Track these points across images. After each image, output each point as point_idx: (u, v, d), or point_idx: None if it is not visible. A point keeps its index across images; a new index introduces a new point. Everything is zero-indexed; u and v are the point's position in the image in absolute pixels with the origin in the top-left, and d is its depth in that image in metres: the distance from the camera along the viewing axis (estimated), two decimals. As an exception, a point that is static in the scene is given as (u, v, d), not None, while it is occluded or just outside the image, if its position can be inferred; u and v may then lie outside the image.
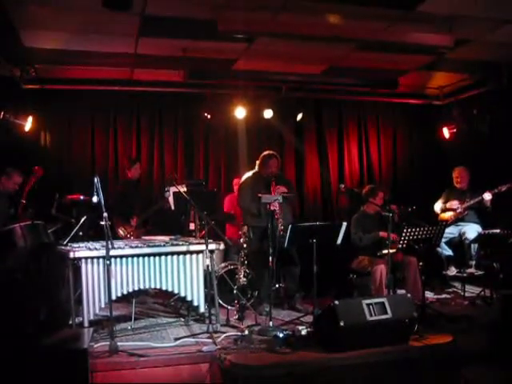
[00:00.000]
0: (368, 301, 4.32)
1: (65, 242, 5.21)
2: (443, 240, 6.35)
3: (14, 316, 4.34)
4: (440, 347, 4.36)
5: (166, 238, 5.30)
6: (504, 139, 6.92)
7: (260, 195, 5.49)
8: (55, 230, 5.56)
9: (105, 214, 4.37)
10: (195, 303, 5.12)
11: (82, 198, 5.94)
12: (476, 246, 6.61)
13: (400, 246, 5.38)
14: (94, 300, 4.68)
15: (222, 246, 5.35)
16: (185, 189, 5.71)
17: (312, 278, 5.06)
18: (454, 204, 6.86)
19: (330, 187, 8.24)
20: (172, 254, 5.01)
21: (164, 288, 5.01)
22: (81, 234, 5.82)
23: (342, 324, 4.08)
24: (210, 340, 4.52)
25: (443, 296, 6.44)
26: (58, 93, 7.14)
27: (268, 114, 7.54)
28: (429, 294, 6.29)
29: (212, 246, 5.09)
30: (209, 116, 7.31)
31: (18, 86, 6.69)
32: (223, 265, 6.12)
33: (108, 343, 4.25)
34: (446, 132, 8.08)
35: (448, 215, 6.92)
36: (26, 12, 5.07)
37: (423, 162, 8.56)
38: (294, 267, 5.93)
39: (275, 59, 6.66)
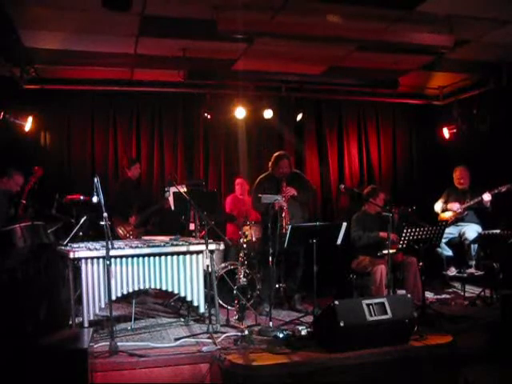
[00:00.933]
0: (368, 301, 4.32)
1: (65, 242, 5.20)
2: (443, 240, 6.34)
3: (14, 316, 4.34)
4: (440, 347, 4.36)
5: (166, 238, 5.30)
6: (504, 139, 6.92)
7: (260, 195, 5.51)
8: (55, 230, 5.55)
9: (105, 215, 4.37)
10: (195, 303, 5.12)
11: (81, 198, 5.93)
12: (476, 246, 6.61)
13: (400, 246, 5.38)
14: (93, 300, 4.67)
15: (222, 247, 5.36)
16: (185, 189, 5.72)
17: (312, 278, 5.06)
18: (455, 206, 6.85)
19: (330, 187, 8.25)
20: (172, 254, 5.00)
21: (164, 288, 5.01)
22: (81, 234, 5.82)
23: (341, 324, 4.09)
24: (210, 340, 4.52)
25: (443, 296, 6.44)
26: (58, 93, 7.15)
27: (268, 114, 7.54)
28: (429, 294, 6.30)
29: (212, 246, 5.09)
30: (209, 116, 7.30)
31: (18, 85, 6.68)
32: (223, 265, 6.13)
33: (108, 343, 4.26)
34: (446, 132, 8.08)
35: (448, 215, 6.92)
36: (26, 12, 5.07)
37: (423, 162, 8.57)
38: (298, 268, 5.94)
39: (275, 59, 6.66)
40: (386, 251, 5.38)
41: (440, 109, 8.35)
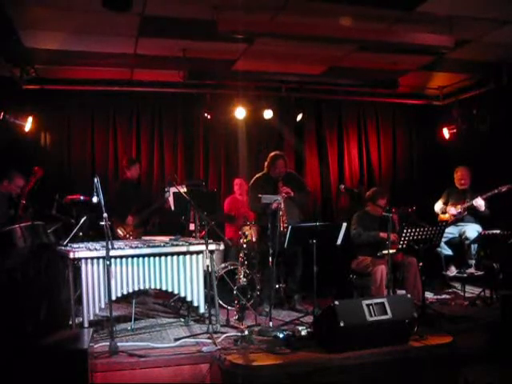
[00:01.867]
0: (368, 301, 4.32)
1: (65, 243, 5.20)
2: (443, 240, 6.34)
3: (14, 316, 4.34)
4: (440, 347, 4.36)
5: (166, 239, 5.30)
6: (504, 139, 6.92)
7: (260, 195, 5.51)
8: (55, 230, 5.55)
9: (105, 215, 4.37)
10: (195, 303, 5.12)
11: (81, 198, 5.94)
12: (476, 246, 6.60)
13: (400, 246, 5.39)
14: (93, 300, 4.67)
15: (221, 247, 5.36)
16: (185, 189, 5.71)
17: (312, 279, 5.06)
18: (451, 210, 6.84)
19: (329, 187, 8.25)
20: (172, 254, 5.00)
21: (164, 288, 5.01)
22: (81, 234, 5.82)
23: (341, 324, 4.09)
24: (210, 340, 4.52)
25: (443, 296, 6.45)
26: (58, 93, 7.14)
27: (268, 114, 7.54)
28: (429, 295, 6.30)
29: (212, 247, 5.09)
30: (209, 116, 7.30)
31: (18, 86, 6.69)
32: (223, 265, 6.13)
33: (108, 343, 4.26)
34: (446, 132, 8.08)
35: (447, 216, 6.92)
36: (26, 12, 5.08)
37: (423, 162, 8.57)
38: (297, 268, 5.94)
39: (275, 59, 6.66)
40: (385, 251, 5.38)
41: (440, 109, 8.35)
